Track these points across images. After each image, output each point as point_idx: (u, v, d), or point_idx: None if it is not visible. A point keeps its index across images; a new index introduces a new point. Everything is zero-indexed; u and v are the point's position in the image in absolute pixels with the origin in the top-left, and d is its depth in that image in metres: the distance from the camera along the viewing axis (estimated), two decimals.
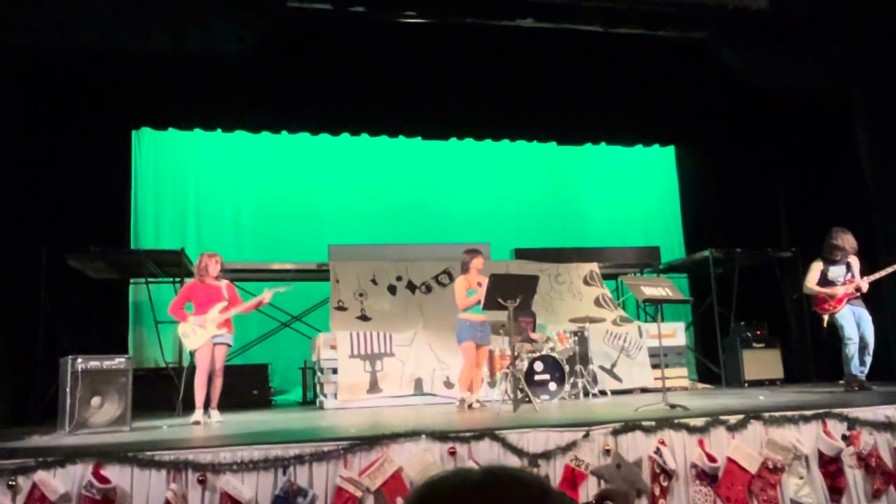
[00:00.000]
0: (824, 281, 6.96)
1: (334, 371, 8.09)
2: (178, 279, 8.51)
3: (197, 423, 6.01)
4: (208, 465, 3.80)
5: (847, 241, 6.91)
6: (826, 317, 6.99)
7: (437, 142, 10.48)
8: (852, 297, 6.87)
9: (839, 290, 6.86)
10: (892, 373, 7.88)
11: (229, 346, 6.50)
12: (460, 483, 0.68)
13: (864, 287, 6.84)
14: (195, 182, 10.96)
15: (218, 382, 6.32)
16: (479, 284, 6.63)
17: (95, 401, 5.53)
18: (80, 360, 5.54)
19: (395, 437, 4.11)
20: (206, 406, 6.28)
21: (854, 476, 4.53)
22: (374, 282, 9.15)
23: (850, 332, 6.80)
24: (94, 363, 5.59)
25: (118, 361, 5.70)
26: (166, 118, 9.26)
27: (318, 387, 8.57)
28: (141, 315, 9.75)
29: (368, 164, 11.34)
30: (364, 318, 8.77)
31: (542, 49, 8.82)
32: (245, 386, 8.71)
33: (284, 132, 9.67)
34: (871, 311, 6.91)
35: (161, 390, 8.04)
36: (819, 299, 7.00)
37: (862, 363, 6.77)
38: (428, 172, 11.54)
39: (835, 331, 6.95)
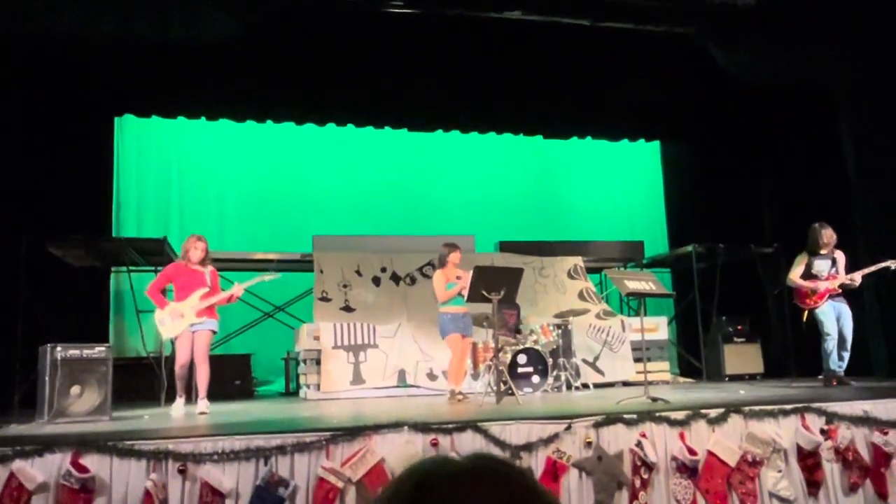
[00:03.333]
0: (808, 274, 7.00)
1: (317, 362, 8.07)
2: (160, 268, 8.42)
3: (177, 413, 5.92)
4: (189, 454, 3.78)
5: (827, 234, 6.95)
6: (806, 311, 7.04)
7: (422, 133, 10.44)
8: (834, 293, 6.92)
9: (821, 286, 6.90)
10: (870, 368, 7.99)
11: (213, 332, 6.25)
12: (454, 470, 0.67)
13: (858, 281, 6.86)
14: (178, 170, 10.87)
15: (203, 370, 6.07)
16: (458, 278, 6.66)
17: (75, 389, 5.47)
18: (59, 349, 5.48)
19: (377, 428, 4.10)
20: (189, 395, 6.20)
21: (831, 470, 4.59)
22: (358, 273, 9.13)
23: (830, 328, 6.85)
24: (73, 351, 5.52)
25: (98, 350, 5.65)
26: (150, 105, 9.15)
27: (300, 377, 8.56)
28: (122, 304, 9.67)
29: (354, 154, 11.31)
30: (348, 309, 8.76)
31: (529, 42, 8.80)
32: (227, 376, 8.65)
33: (269, 121, 9.59)
34: (850, 306, 6.97)
35: (142, 380, 7.98)
36: (801, 293, 7.04)
37: (840, 358, 6.83)
38: (413, 164, 11.52)
39: (814, 325, 7.01)
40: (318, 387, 7.99)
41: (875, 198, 8.29)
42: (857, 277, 6.87)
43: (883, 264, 6.83)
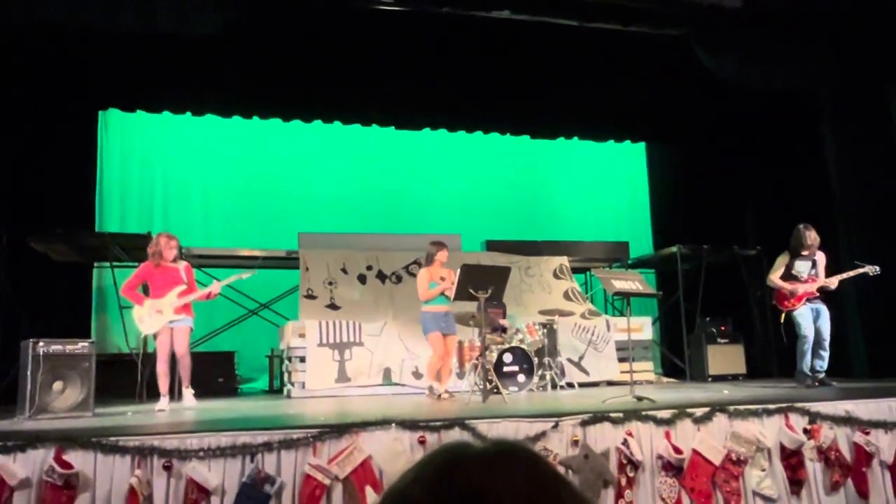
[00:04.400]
0: (788, 275, 7.05)
1: (302, 360, 8.04)
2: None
3: (162, 410, 5.88)
4: (174, 451, 3.75)
5: (812, 236, 7.00)
6: (784, 312, 7.11)
7: (410, 132, 10.43)
8: (812, 296, 6.97)
9: (800, 289, 6.96)
10: (851, 369, 8.08)
11: (190, 328, 6.26)
12: (480, 454, 0.67)
13: (834, 285, 6.92)
14: (163, 165, 10.78)
15: (184, 362, 6.11)
16: (443, 278, 6.68)
17: (57, 385, 5.41)
18: (41, 344, 5.41)
19: (364, 425, 4.09)
20: (172, 391, 6.16)
21: (814, 469, 4.63)
22: (344, 271, 9.10)
23: (807, 331, 6.91)
24: (56, 347, 5.46)
25: (81, 346, 5.59)
26: (134, 100, 9.06)
27: (285, 375, 8.52)
28: (105, 300, 9.58)
29: (341, 151, 11.27)
30: (333, 306, 8.73)
31: (517, 42, 8.81)
32: (211, 374, 8.60)
33: (256, 117, 9.54)
34: (829, 308, 7.03)
35: (125, 376, 7.90)
36: (780, 294, 7.10)
37: (819, 357, 6.88)
38: (400, 162, 11.50)
39: (791, 327, 7.08)
40: (303, 385, 7.95)
41: (856, 200, 8.39)
42: (834, 282, 6.92)
43: (861, 270, 6.89)
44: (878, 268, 6.89)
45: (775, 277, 7.10)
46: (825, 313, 6.93)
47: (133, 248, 8.32)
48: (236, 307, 9.42)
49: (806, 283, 6.96)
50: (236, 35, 7.49)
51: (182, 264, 6.32)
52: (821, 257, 7.04)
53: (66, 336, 5.80)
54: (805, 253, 7.00)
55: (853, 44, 7.96)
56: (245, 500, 3.75)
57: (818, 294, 6.98)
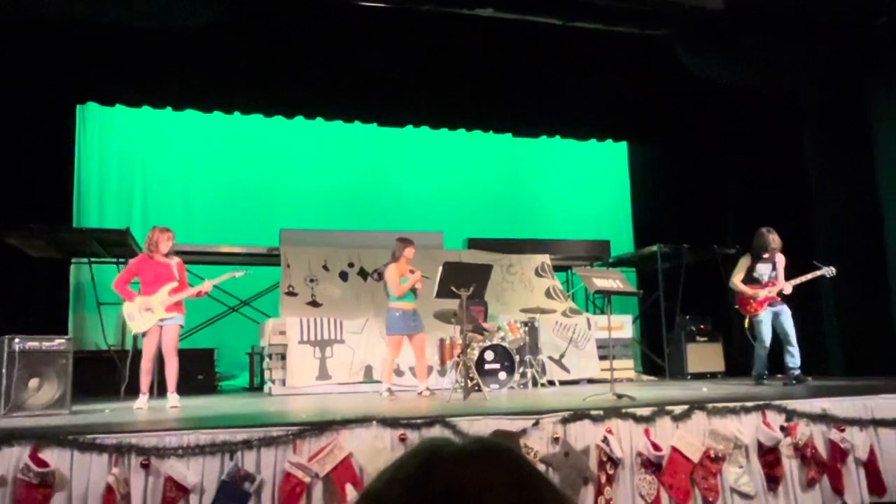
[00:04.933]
0: (749, 278, 7.13)
1: (283, 357, 8.00)
2: (122, 259, 8.28)
3: (140, 409, 5.81)
4: (152, 449, 3.71)
5: (775, 240, 7.05)
6: (746, 317, 7.19)
7: (392, 129, 10.41)
8: (773, 299, 7.02)
9: (760, 294, 7.02)
10: (827, 368, 8.19)
11: (181, 326, 6.20)
12: (461, 450, 0.67)
13: (788, 290, 6.95)
14: (143, 161, 10.67)
15: (171, 364, 5.99)
16: (412, 272, 6.68)
17: (33, 382, 5.34)
18: (17, 340, 5.33)
19: (345, 422, 4.08)
20: (153, 390, 6.10)
21: (790, 466, 4.69)
22: (325, 268, 9.07)
23: (765, 335, 7.02)
24: (32, 343, 5.39)
25: (58, 342, 5.51)
26: (113, 94, 8.95)
27: (265, 373, 8.48)
28: (82, 296, 9.46)
29: (323, 148, 11.22)
30: (315, 303, 8.70)
31: (501, 40, 8.83)
32: (190, 371, 8.50)
33: (237, 113, 9.47)
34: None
35: (103, 374, 7.82)
36: (741, 298, 7.18)
37: (790, 355, 6.93)
38: (383, 159, 11.47)
39: (752, 329, 7.17)
40: (283, 382, 7.92)
41: (834, 199, 8.49)
42: (788, 287, 6.95)
43: (819, 272, 6.92)
44: (833, 269, 6.92)
45: (737, 280, 7.18)
46: (785, 313, 6.98)
47: (111, 243, 8.24)
48: (216, 304, 9.35)
49: (766, 287, 7.02)
50: (218, 30, 7.44)
51: (175, 260, 6.25)
52: (780, 259, 7.09)
53: (42, 332, 5.72)
54: (766, 256, 7.07)
55: (833, 45, 8.06)
56: (224, 498, 3.73)
57: (778, 297, 7.02)
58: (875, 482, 4.78)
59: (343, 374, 8.10)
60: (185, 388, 6.61)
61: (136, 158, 10.62)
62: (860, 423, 4.87)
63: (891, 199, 7.98)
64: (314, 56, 8.66)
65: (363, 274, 9.19)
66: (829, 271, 6.92)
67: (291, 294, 8.71)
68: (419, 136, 10.82)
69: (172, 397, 5.97)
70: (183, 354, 6.18)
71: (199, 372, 8.75)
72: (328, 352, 8.12)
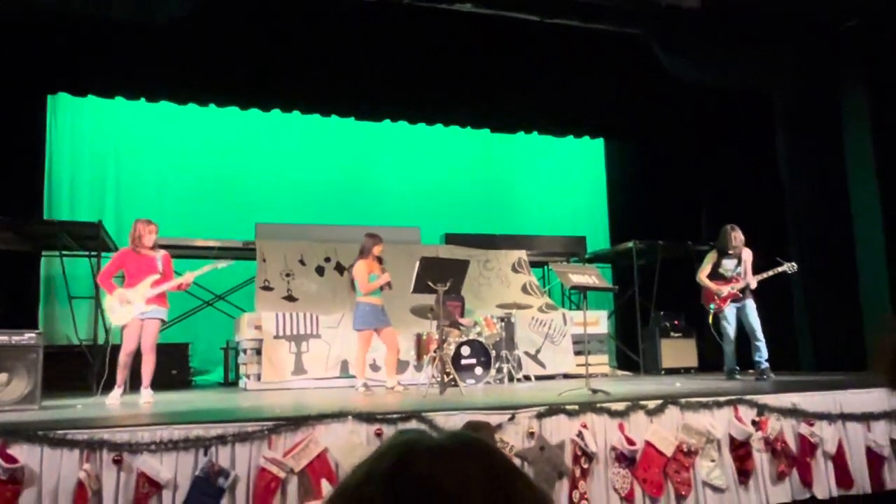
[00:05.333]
0: (715, 273, 7.24)
1: (258, 352, 7.96)
2: (94, 253, 8.17)
3: (112, 403, 5.74)
4: (125, 444, 3.67)
5: (737, 237, 7.17)
6: (711, 313, 7.29)
7: (370, 123, 10.35)
8: (737, 295, 7.11)
9: (724, 290, 7.12)
10: (798, 363, 8.31)
11: (162, 321, 6.14)
12: (436, 445, 0.67)
13: (753, 285, 7.04)
14: (115, 152, 10.52)
15: (149, 360, 5.93)
16: (383, 270, 6.67)
17: (2, 377, 5.25)
18: None
19: (321, 418, 4.06)
20: (126, 386, 6.02)
21: (761, 459, 4.76)
22: (301, 262, 9.01)
23: (729, 331, 7.14)
24: (1, 338, 5.29)
25: (28, 336, 5.42)
26: (85, 84, 8.80)
27: (240, 367, 8.41)
28: (54, 289, 9.31)
29: (299, 142, 11.16)
30: (290, 298, 8.65)
31: (479, 35, 8.83)
32: (164, 366, 8.40)
33: (212, 105, 9.36)
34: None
35: (74, 368, 7.71)
36: (707, 294, 7.29)
37: (756, 350, 7.02)
38: (361, 153, 11.44)
39: (717, 325, 7.27)
40: (258, 377, 7.87)
41: (805, 198, 8.62)
42: (753, 283, 7.04)
43: (780, 268, 7.01)
44: (795, 265, 7.02)
45: (703, 276, 7.29)
46: (749, 308, 7.06)
47: (83, 236, 8.11)
48: (191, 298, 9.25)
49: (731, 283, 7.11)
50: (193, 20, 7.33)
51: (160, 253, 6.18)
52: (747, 255, 7.19)
53: (12, 327, 5.62)
54: (731, 252, 7.18)
55: (805, 46, 8.17)
56: (198, 494, 3.70)
57: (741, 293, 7.10)
58: (843, 475, 4.87)
59: (319, 368, 8.07)
60: (158, 384, 6.55)
61: (108, 150, 10.47)
62: (829, 417, 4.96)
63: (859, 197, 8.12)
64: (292, 49, 8.59)
65: (340, 269, 9.15)
66: (790, 267, 7.01)
67: (267, 288, 8.65)
68: (397, 130, 10.78)
69: (146, 392, 5.91)
70: (157, 349, 6.10)
71: (173, 367, 8.66)
72: (304, 346, 8.08)
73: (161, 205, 10.51)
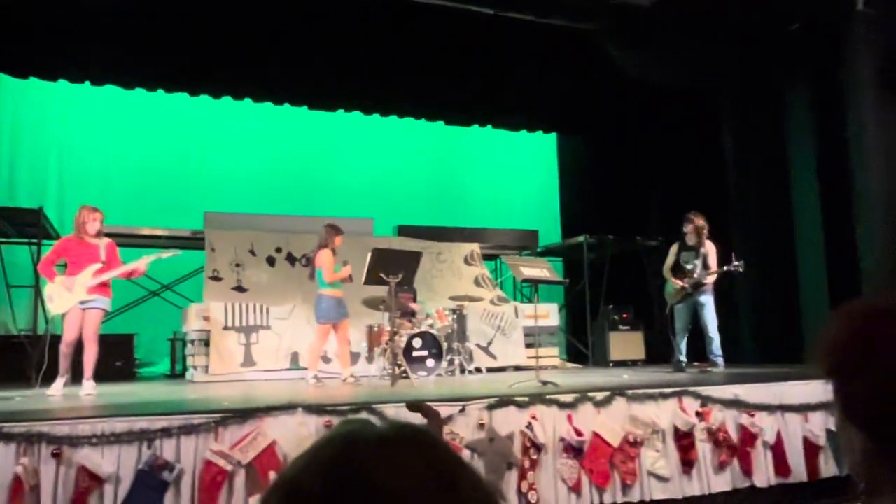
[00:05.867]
0: (677, 266, 7.33)
1: (206, 343, 7.84)
2: (34, 240, 7.89)
3: (52, 395, 5.57)
4: (64, 437, 3.56)
5: (695, 225, 7.15)
6: (669, 305, 7.44)
7: (323, 112, 10.23)
8: (689, 293, 7.18)
9: (677, 284, 7.24)
10: (741, 356, 8.53)
11: (105, 311, 5.95)
12: (377, 435, 0.66)
13: (706, 280, 7.09)
14: (58, 137, 10.20)
15: (91, 350, 5.76)
16: (345, 263, 6.62)
17: None
18: None
19: (269, 410, 4.01)
20: (70, 376, 5.85)
21: (704, 449, 4.88)
22: (252, 252, 8.88)
23: (678, 325, 7.28)
24: None
25: None
26: (27, 66, 8.46)
27: (187, 359, 8.26)
28: None
29: (251, 130, 10.99)
30: (240, 289, 8.53)
31: (434, 27, 8.77)
32: (107, 357, 8.18)
33: (161, 90, 9.11)
34: (719, 298, 7.31)
35: (13, 359, 7.45)
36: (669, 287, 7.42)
37: (709, 343, 7.13)
38: (313, 143, 11.33)
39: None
40: (206, 369, 7.76)
41: (749, 194, 8.83)
42: (707, 279, 7.11)
43: (728, 267, 7.02)
44: (742, 263, 6.98)
45: (666, 268, 7.40)
46: (705, 304, 7.11)
47: (22, 223, 7.83)
48: (136, 288, 9.04)
49: (686, 280, 7.20)
50: (142, 2, 7.12)
51: (104, 241, 5.99)
52: (710, 248, 7.18)
53: None
54: (691, 244, 7.25)
55: (751, 46, 8.36)
56: (141, 488, 3.61)
57: (695, 287, 7.13)
58: (781, 464, 5.03)
59: (269, 360, 7.99)
60: (102, 375, 6.38)
61: (51, 135, 10.13)
62: (769, 408, 5.10)
63: (801, 196, 8.36)
64: (243, 34, 8.40)
65: (291, 259, 9.05)
66: (737, 267, 7.00)
67: (216, 279, 8.51)
68: (351, 121, 10.70)
69: (88, 384, 5.75)
70: (100, 340, 5.93)
71: (117, 358, 8.45)
72: (253, 338, 7.99)
73: (105, 192, 10.20)
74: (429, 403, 1.80)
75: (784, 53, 8.25)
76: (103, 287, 5.87)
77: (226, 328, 7.89)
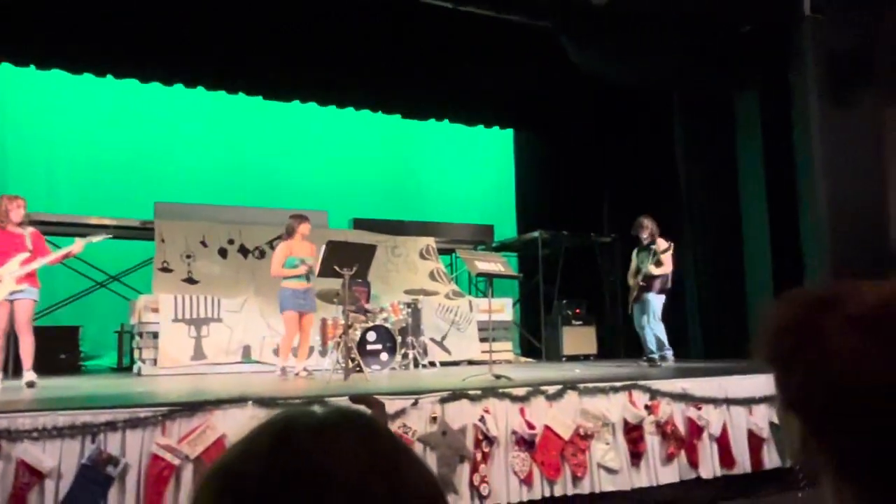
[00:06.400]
0: (637, 269, 7.46)
1: (155, 336, 7.71)
2: None
3: None
4: (3, 431, 3.44)
5: (645, 227, 7.33)
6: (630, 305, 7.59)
7: (279, 103, 10.07)
8: (644, 289, 7.30)
9: (630, 282, 7.43)
10: (689, 350, 8.71)
11: (35, 301, 5.74)
12: (316, 422, 0.64)
13: (654, 273, 7.18)
14: (1, 123, 9.82)
15: (26, 341, 5.58)
16: (304, 261, 6.51)
17: None
18: None
19: (219, 403, 3.95)
20: (7, 369, 5.65)
21: (652, 442, 4.97)
22: (203, 243, 8.73)
23: (639, 322, 7.39)
24: None
25: None
26: None
27: (135, 352, 8.09)
28: None
29: (205, 119, 10.80)
30: (191, 280, 8.39)
31: (391, 19, 8.73)
32: (51, 350, 7.95)
33: (110, 76, 8.85)
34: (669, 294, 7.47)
35: None
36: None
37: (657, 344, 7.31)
38: (268, 134, 11.20)
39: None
40: (154, 362, 7.62)
41: (698, 191, 9.02)
42: (656, 271, 7.20)
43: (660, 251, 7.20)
44: (671, 244, 7.14)
45: (630, 275, 7.52)
46: (644, 303, 7.27)
47: None
48: (82, 279, 8.79)
49: (633, 279, 7.40)
50: None
51: (29, 230, 5.78)
52: (660, 245, 7.27)
53: None
54: (643, 244, 7.41)
55: (706, 46, 8.50)
56: (84, 483, 3.51)
57: (644, 284, 7.25)
58: (726, 456, 5.16)
59: (219, 354, 7.88)
60: (45, 368, 6.20)
61: None
62: (715, 401, 5.23)
63: (748, 193, 8.55)
64: (195, 19, 8.21)
65: (244, 251, 8.92)
66: (668, 247, 7.12)
67: (166, 270, 8.34)
68: (307, 112, 10.56)
69: (28, 374, 5.58)
70: (43, 332, 5.77)
71: (61, 351, 8.20)
72: (204, 331, 7.87)
73: (52, 178, 9.95)
74: (374, 395, 1.81)
75: (735, 55, 8.42)
76: (32, 277, 5.69)
77: (175, 320, 7.75)
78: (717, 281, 8.66)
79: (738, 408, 5.29)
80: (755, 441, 5.25)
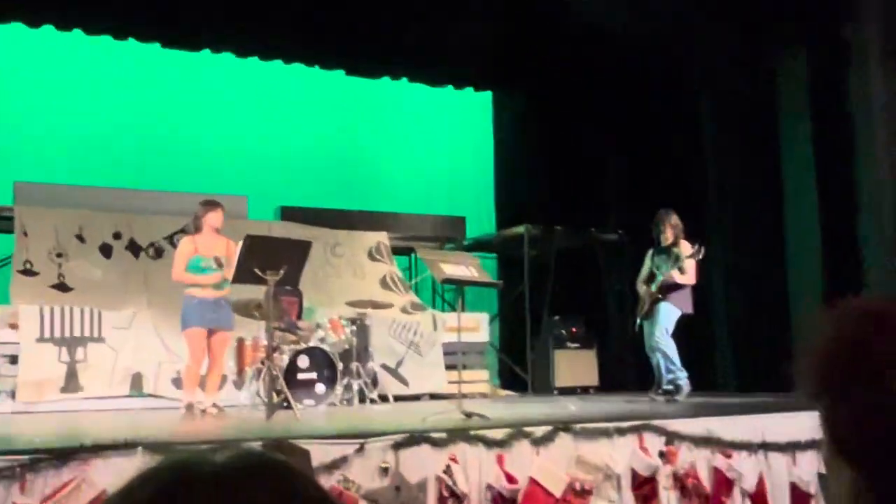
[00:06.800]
0: (652, 275, 7.53)
1: (13, 360, 7.67)
2: None
3: None
4: None
5: (667, 224, 7.45)
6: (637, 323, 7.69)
7: (181, 53, 9.96)
8: (655, 298, 7.45)
9: (642, 291, 7.55)
10: (716, 381, 8.81)
11: None
12: (210, 471, 0.64)
13: (675, 281, 7.35)
14: None
15: None
16: (217, 259, 6.46)
17: None
18: None
19: (98, 450, 3.91)
20: None
21: (668, 499, 5.02)
22: (80, 238, 8.66)
23: (648, 343, 7.51)
24: None
25: None
26: None
27: None
28: None
29: (82, 74, 10.69)
30: (62, 287, 8.35)
31: None
32: None
33: None
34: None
35: None
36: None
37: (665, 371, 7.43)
38: (169, 94, 11.09)
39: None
40: (12, 394, 7.57)
41: (731, 182, 9.11)
42: (679, 279, 7.35)
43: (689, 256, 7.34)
44: (700, 248, 7.21)
45: (639, 281, 7.61)
46: (656, 315, 7.40)
47: None
48: None
49: (646, 287, 7.52)
50: None
51: None
52: (685, 248, 7.37)
53: None
54: (664, 245, 7.51)
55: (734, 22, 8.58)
56: None
57: (661, 294, 7.40)
58: None
59: (101, 384, 7.89)
60: None
61: None
62: (749, 447, 5.30)
63: (794, 184, 8.63)
64: None
65: (134, 248, 8.84)
66: (698, 252, 7.20)
67: (28, 273, 8.27)
68: (221, 65, 10.51)
69: None
70: None
71: None
72: (80, 354, 7.85)
73: None
74: (293, 442, 1.80)
75: (776, 7, 8.51)
76: None
77: (41, 340, 7.72)
78: (753, 296, 8.76)
79: (779, 455, 5.37)
80: (800, 498, 5.34)
